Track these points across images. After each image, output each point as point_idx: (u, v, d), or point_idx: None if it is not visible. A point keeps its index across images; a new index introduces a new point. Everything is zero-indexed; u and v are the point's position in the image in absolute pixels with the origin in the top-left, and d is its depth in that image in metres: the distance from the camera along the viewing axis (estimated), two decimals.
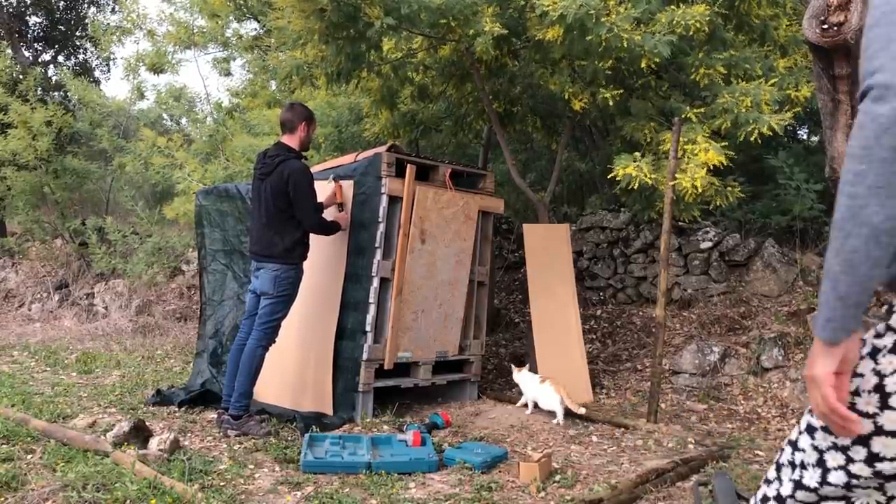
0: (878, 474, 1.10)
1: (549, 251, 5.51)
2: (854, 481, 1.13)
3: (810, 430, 1.15)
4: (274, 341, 4.10)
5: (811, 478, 1.17)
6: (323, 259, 4.52)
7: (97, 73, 15.10)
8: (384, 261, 4.38)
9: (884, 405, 1.02)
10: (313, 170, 5.56)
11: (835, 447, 1.13)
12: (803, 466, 1.17)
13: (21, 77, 10.46)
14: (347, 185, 4.53)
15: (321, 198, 4.36)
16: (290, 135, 4.14)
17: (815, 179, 6.42)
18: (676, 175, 4.28)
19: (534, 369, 5.43)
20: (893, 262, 1.04)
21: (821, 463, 1.15)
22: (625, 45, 4.11)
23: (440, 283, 4.70)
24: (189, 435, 3.93)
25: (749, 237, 6.44)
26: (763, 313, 5.75)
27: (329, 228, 4.25)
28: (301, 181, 4.00)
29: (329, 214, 4.37)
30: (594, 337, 6.42)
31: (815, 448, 1.16)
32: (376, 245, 4.35)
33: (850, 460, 1.12)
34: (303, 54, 5.43)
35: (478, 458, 3.53)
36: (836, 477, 1.14)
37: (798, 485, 1.21)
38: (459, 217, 4.74)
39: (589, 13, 4.05)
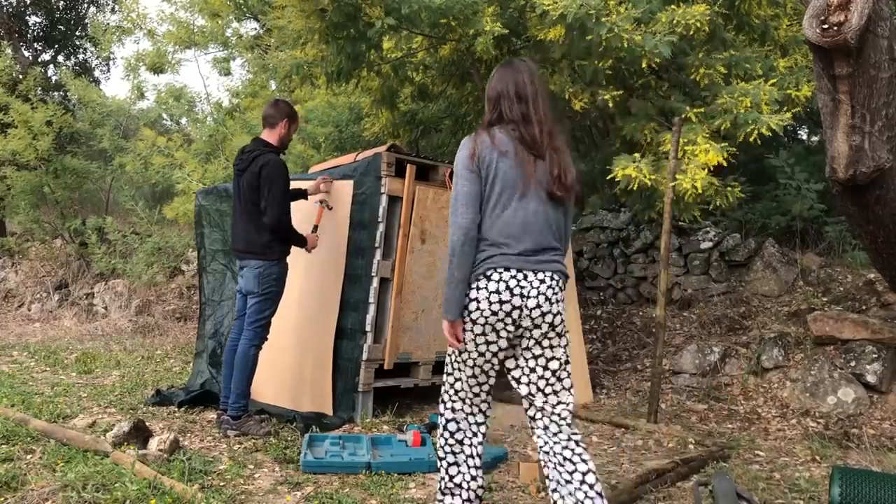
0: (482, 356, 2.53)
1: None
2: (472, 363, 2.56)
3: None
4: (266, 339, 4.08)
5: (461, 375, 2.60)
6: (322, 259, 4.52)
7: (97, 73, 15.11)
8: (384, 261, 4.38)
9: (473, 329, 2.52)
10: (312, 170, 5.57)
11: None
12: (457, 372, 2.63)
13: (21, 77, 10.45)
14: (347, 185, 4.53)
15: (311, 201, 4.34)
16: (270, 130, 4.12)
17: (816, 179, 6.42)
18: (677, 176, 4.28)
19: None
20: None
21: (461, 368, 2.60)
22: (625, 44, 4.11)
23: (440, 283, 4.69)
24: (189, 435, 3.93)
25: (749, 237, 6.44)
26: (763, 313, 5.75)
27: (289, 232, 4.03)
28: (272, 174, 3.92)
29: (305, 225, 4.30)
30: (594, 337, 6.42)
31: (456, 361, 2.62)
32: (376, 245, 4.35)
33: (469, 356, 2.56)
34: (303, 54, 5.43)
35: None
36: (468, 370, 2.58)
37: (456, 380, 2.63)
38: None
39: (589, 13, 4.05)
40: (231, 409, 3.97)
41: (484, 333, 2.49)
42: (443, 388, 2.66)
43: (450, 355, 2.63)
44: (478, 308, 2.47)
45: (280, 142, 4.11)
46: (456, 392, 2.62)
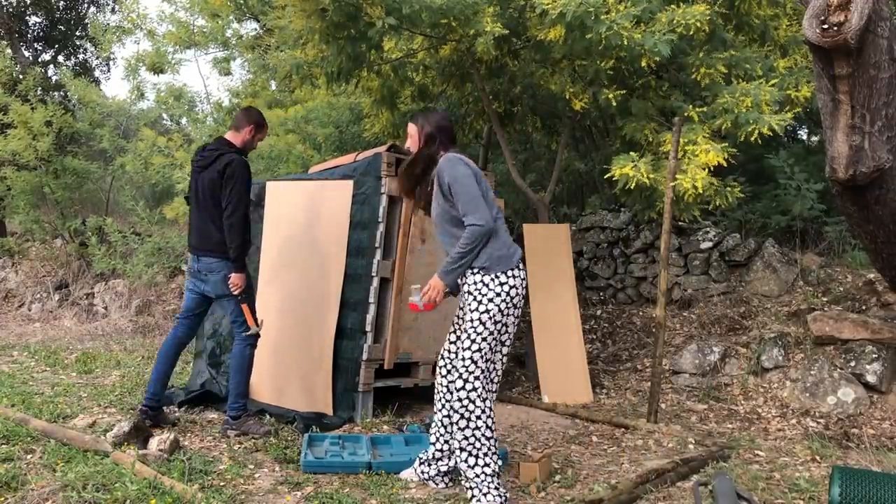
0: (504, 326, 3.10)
1: (549, 251, 5.51)
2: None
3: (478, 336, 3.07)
4: (258, 336, 4.08)
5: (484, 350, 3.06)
6: (322, 259, 4.52)
7: (97, 73, 15.09)
8: (384, 261, 4.38)
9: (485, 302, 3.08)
10: (312, 170, 5.57)
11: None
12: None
13: (21, 77, 10.44)
14: (347, 185, 4.53)
15: (311, 201, 4.31)
16: (234, 132, 4.08)
17: (816, 179, 6.42)
18: (677, 176, 4.28)
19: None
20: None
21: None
22: (625, 43, 4.11)
23: None
24: (189, 435, 3.93)
25: (749, 237, 6.44)
26: (763, 313, 5.76)
27: (241, 232, 3.91)
28: (236, 173, 3.88)
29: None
30: (594, 337, 6.42)
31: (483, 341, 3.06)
32: (376, 245, 4.35)
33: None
34: (303, 54, 5.43)
35: None
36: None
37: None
38: None
39: (588, 11, 4.05)
40: (230, 408, 3.97)
41: (517, 315, 3.11)
42: (468, 377, 3.01)
43: (481, 341, 3.03)
44: (518, 294, 3.07)
45: (243, 145, 4.07)
46: (480, 371, 3.04)
